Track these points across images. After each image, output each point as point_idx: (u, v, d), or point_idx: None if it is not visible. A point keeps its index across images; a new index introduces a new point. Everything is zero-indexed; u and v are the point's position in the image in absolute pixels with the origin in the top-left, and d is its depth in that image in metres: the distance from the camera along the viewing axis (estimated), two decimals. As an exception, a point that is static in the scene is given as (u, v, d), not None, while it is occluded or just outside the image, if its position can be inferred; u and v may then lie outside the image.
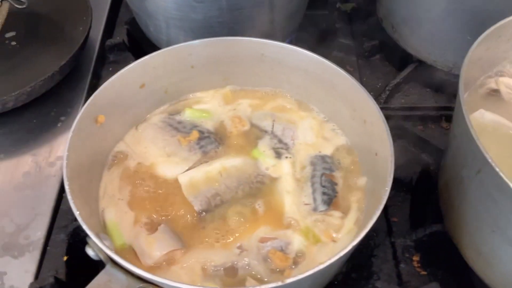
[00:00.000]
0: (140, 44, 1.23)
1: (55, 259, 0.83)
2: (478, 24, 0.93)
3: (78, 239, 0.85)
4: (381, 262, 0.84)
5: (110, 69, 1.15)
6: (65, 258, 0.83)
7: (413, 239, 0.85)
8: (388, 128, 0.70)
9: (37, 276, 0.82)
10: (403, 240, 0.86)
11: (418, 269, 0.84)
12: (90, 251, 0.63)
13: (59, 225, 0.87)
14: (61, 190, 0.94)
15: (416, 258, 0.84)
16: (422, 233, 0.84)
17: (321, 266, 0.57)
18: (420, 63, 1.10)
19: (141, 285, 0.57)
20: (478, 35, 0.81)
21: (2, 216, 0.90)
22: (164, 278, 0.56)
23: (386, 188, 0.63)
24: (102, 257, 0.61)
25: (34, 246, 0.86)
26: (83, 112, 0.73)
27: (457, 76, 1.05)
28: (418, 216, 0.91)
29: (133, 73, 0.81)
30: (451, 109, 1.06)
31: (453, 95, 1.09)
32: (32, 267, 0.83)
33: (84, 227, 0.61)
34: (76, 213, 0.62)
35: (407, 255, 0.85)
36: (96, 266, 0.86)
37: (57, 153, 1.00)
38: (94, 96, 0.75)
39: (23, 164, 0.98)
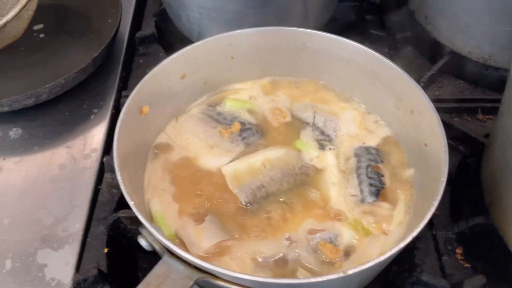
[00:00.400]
0: (168, 36, 1.22)
1: (96, 251, 0.83)
2: (517, 14, 0.92)
3: (117, 231, 0.85)
4: (424, 255, 0.83)
5: (141, 61, 1.14)
6: (105, 250, 0.82)
7: (455, 232, 0.84)
8: (439, 117, 0.69)
9: (77, 268, 0.82)
10: (445, 233, 0.85)
11: (462, 262, 0.83)
12: (143, 242, 0.63)
13: (98, 217, 0.87)
14: (97, 182, 0.93)
15: (459, 250, 0.84)
16: (464, 226, 0.83)
17: (382, 258, 0.56)
18: (454, 54, 1.09)
19: (199, 275, 0.57)
20: (517, 25, 0.80)
21: (40, 208, 0.89)
22: (225, 269, 0.55)
23: (442, 179, 0.63)
24: (157, 247, 0.60)
25: (73, 238, 0.85)
26: (129, 102, 0.72)
27: (492, 68, 1.07)
28: (458, 208, 0.90)
29: (176, 64, 0.80)
30: (487, 100, 1.05)
31: (488, 86, 1.09)
32: (72, 259, 0.83)
33: (140, 217, 0.60)
34: (131, 203, 0.61)
35: (450, 248, 0.84)
36: (134, 258, 0.87)
37: (91, 145, 0.99)
38: (140, 86, 0.75)
39: (58, 156, 0.97)
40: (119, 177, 0.64)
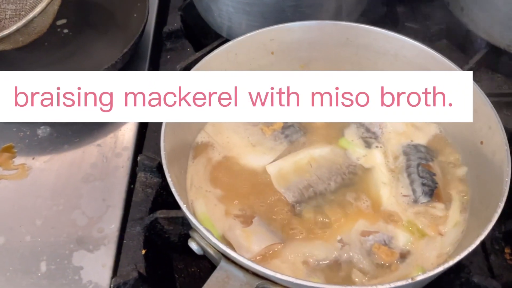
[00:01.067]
0: (194, 30, 1.19)
1: (133, 252, 0.80)
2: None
3: (154, 232, 0.83)
4: (471, 255, 0.80)
5: (168, 56, 1.12)
6: (143, 251, 0.80)
7: (502, 231, 0.82)
8: (497, 114, 0.66)
9: (115, 270, 0.80)
10: (492, 232, 0.82)
11: (510, 262, 0.81)
12: (194, 245, 0.60)
13: (133, 217, 0.85)
14: (130, 181, 0.91)
15: (507, 250, 0.81)
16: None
17: (451, 263, 0.54)
18: (491, 47, 1.06)
19: (259, 282, 0.55)
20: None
21: (73, 208, 0.87)
22: (286, 275, 0.53)
23: (507, 179, 0.60)
24: (211, 252, 0.58)
25: (109, 239, 0.83)
26: (174, 99, 0.70)
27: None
28: (505, 207, 0.87)
29: (217, 60, 0.78)
30: (527, 95, 1.02)
31: (527, 81, 1.06)
32: (109, 261, 0.81)
33: (194, 221, 0.58)
34: (183, 206, 0.59)
35: (497, 247, 0.82)
36: (170, 260, 0.85)
37: (122, 143, 0.97)
38: (183, 83, 0.72)
39: (89, 155, 0.95)
40: (169, 179, 0.61)
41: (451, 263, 0.53)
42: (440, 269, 0.52)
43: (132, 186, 0.90)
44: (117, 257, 0.81)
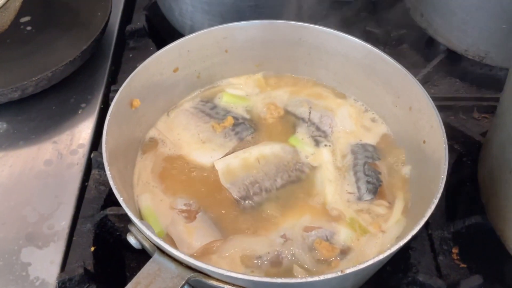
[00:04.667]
0: (159, 30, 1.20)
1: (82, 249, 0.80)
2: (515, 12, 0.91)
3: (105, 229, 0.82)
4: (419, 255, 0.81)
5: (131, 55, 1.12)
6: (92, 248, 0.80)
7: (451, 231, 0.83)
8: (438, 114, 0.68)
9: (63, 267, 0.79)
10: (441, 232, 0.84)
11: (458, 262, 0.82)
12: (132, 239, 0.60)
13: (84, 214, 0.84)
14: (84, 178, 0.90)
15: (455, 250, 0.82)
16: (461, 225, 0.82)
17: (381, 256, 0.55)
18: (450, 52, 1.08)
19: (191, 274, 0.54)
20: (513, 23, 0.79)
21: (25, 205, 0.86)
22: (219, 268, 0.53)
23: (442, 176, 0.61)
24: (147, 245, 0.58)
25: (59, 236, 0.82)
26: (119, 94, 0.70)
27: (488, 66, 1.06)
28: (454, 207, 0.88)
29: (168, 56, 0.78)
30: (482, 99, 1.04)
31: (483, 85, 1.08)
32: (58, 257, 0.80)
33: (129, 214, 0.57)
34: (120, 199, 0.59)
35: (446, 248, 0.83)
36: (122, 258, 0.84)
37: (78, 140, 0.96)
38: (130, 78, 0.72)
39: (44, 151, 0.94)
40: (108, 173, 0.61)
41: (376, 259, 0.53)
42: (363, 265, 0.53)
43: (86, 183, 0.89)
44: (66, 254, 0.80)
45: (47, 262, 0.79)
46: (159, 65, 0.77)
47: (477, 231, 0.81)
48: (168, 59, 0.78)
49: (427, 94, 0.70)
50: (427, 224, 0.85)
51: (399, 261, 0.81)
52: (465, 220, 0.82)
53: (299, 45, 0.83)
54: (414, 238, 0.82)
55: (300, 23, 0.81)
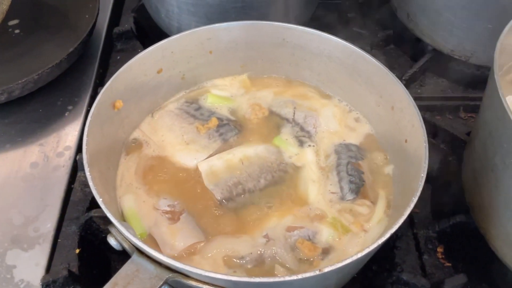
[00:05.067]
0: (147, 32, 1.20)
1: (67, 251, 0.80)
2: (500, 12, 0.91)
3: (90, 231, 0.82)
4: (404, 254, 0.81)
5: (118, 57, 1.12)
6: (77, 250, 0.80)
7: (436, 230, 0.83)
8: (419, 113, 0.68)
9: (48, 269, 0.79)
10: (426, 231, 0.84)
11: (442, 261, 0.82)
12: (112, 241, 0.60)
13: (70, 216, 0.84)
14: (70, 181, 0.90)
15: (440, 249, 0.82)
16: (446, 224, 0.82)
17: (359, 255, 0.55)
18: (436, 52, 1.08)
19: (170, 275, 0.54)
20: (499, 23, 0.79)
21: (10, 207, 0.86)
22: (196, 268, 0.53)
23: (422, 175, 0.61)
24: (126, 246, 0.58)
25: (44, 239, 0.82)
26: (101, 96, 0.70)
27: (474, 66, 1.06)
28: (439, 207, 0.89)
29: (151, 57, 0.78)
30: (469, 99, 1.05)
31: (470, 85, 1.09)
32: (43, 260, 0.80)
33: (108, 215, 0.57)
34: (99, 200, 0.59)
35: (431, 247, 0.83)
36: (108, 259, 0.84)
37: (65, 143, 0.96)
38: (113, 79, 0.72)
39: (30, 154, 0.94)
40: (87, 174, 0.61)
41: (354, 257, 0.53)
42: (341, 264, 0.53)
43: (72, 185, 0.89)
44: (51, 256, 0.80)
45: (32, 265, 0.79)
46: (142, 66, 0.77)
47: (462, 230, 0.82)
48: (152, 60, 0.78)
49: (408, 93, 0.71)
50: (412, 223, 0.85)
51: (385, 261, 0.81)
52: (450, 219, 0.82)
53: (283, 46, 0.84)
54: (398, 237, 0.83)
55: (283, 24, 0.81)
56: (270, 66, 0.87)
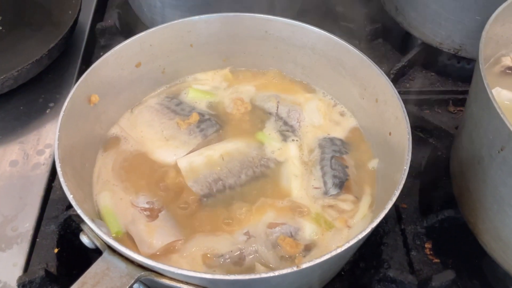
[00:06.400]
0: (133, 28, 1.17)
1: (45, 251, 0.78)
2: (487, 3, 0.89)
3: (69, 230, 0.80)
4: (392, 250, 0.80)
5: (101, 54, 1.09)
6: (56, 250, 0.77)
7: (424, 226, 0.81)
8: (403, 105, 0.66)
9: (26, 269, 0.77)
10: (414, 227, 0.82)
11: (431, 257, 0.80)
12: (84, 239, 0.58)
13: (49, 215, 0.82)
14: (51, 179, 0.88)
15: (428, 245, 0.80)
16: (434, 219, 0.81)
17: (338, 250, 0.52)
18: (425, 46, 1.06)
19: (142, 273, 0.52)
20: (487, 14, 0.77)
21: (-13, 207, 0.84)
22: (168, 265, 0.51)
23: (405, 167, 0.59)
24: (98, 244, 0.56)
25: (22, 238, 0.81)
26: (75, 90, 0.68)
27: (464, 59, 1.04)
28: (428, 202, 0.87)
29: (129, 51, 0.76)
30: (458, 92, 1.03)
31: (459, 78, 1.07)
32: (21, 260, 0.78)
33: (79, 211, 0.55)
34: (70, 197, 0.56)
35: (419, 243, 0.81)
36: (88, 259, 0.82)
37: (46, 140, 0.94)
38: (87, 73, 0.70)
39: (10, 152, 0.92)
40: (58, 169, 0.59)
41: (333, 253, 0.51)
42: (319, 260, 0.51)
43: (53, 184, 0.87)
44: (29, 256, 0.78)
45: (9, 265, 0.78)
46: (119, 60, 0.75)
47: (451, 225, 0.80)
48: (129, 54, 0.76)
49: (392, 84, 0.69)
50: (399, 219, 0.84)
51: (372, 257, 0.80)
52: (438, 214, 0.80)
53: (265, 39, 0.82)
54: (385, 233, 0.81)
55: (265, 16, 0.79)
56: (253, 59, 0.85)
